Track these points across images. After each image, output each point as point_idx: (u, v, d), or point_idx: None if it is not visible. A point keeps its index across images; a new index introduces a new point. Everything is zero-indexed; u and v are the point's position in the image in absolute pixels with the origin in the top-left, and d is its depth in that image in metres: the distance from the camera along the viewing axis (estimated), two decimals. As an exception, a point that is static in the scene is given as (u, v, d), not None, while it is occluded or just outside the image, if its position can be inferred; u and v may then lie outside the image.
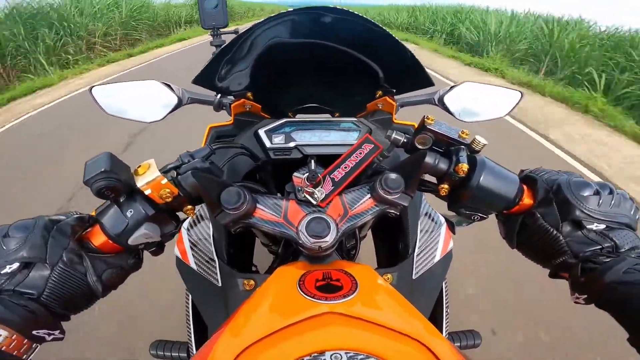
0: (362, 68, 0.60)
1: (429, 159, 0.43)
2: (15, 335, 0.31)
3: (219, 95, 0.74)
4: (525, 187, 0.44)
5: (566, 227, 0.41)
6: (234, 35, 0.90)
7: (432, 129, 0.43)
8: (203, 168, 0.42)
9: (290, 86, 0.67)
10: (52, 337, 0.35)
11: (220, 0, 0.91)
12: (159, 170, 0.41)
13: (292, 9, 0.53)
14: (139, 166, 0.40)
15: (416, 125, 0.59)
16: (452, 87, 0.74)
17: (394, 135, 0.46)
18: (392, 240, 0.69)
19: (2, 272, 0.33)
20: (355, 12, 0.53)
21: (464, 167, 0.41)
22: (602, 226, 0.40)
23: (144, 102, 0.72)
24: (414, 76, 0.61)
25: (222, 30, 0.96)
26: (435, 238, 0.62)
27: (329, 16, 0.54)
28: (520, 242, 0.46)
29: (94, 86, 0.69)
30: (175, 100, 0.70)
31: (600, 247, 0.39)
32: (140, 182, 0.39)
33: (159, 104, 0.72)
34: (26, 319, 0.32)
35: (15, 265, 0.34)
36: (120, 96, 0.72)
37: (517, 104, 0.73)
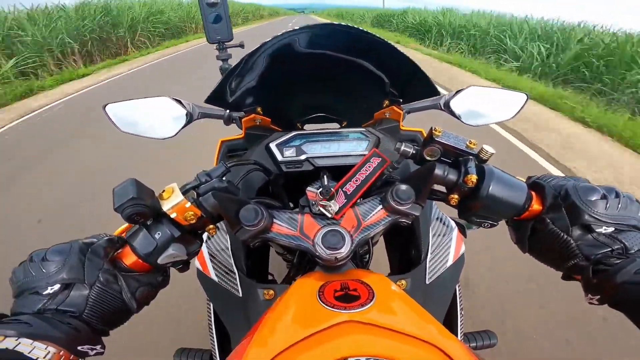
0: (368, 78, 0.62)
1: (438, 171, 0.44)
2: (62, 352, 0.33)
3: (229, 110, 0.76)
4: (533, 193, 0.45)
5: (576, 231, 0.42)
6: (239, 49, 0.92)
7: (440, 141, 0.45)
8: (221, 188, 0.44)
9: (298, 98, 0.68)
10: (94, 351, 0.37)
11: (224, 15, 0.93)
12: (180, 189, 0.43)
13: (297, 28, 0.54)
14: (163, 191, 0.43)
15: (424, 132, 0.60)
16: (457, 92, 0.75)
17: (403, 148, 0.47)
18: (404, 246, 0.71)
19: (44, 292, 0.36)
20: (359, 27, 0.54)
21: (473, 178, 0.43)
22: (611, 229, 0.41)
23: (155, 118, 0.74)
24: (419, 86, 0.62)
25: (227, 44, 0.98)
26: (447, 243, 0.63)
27: (334, 32, 0.55)
28: (531, 247, 0.47)
29: (107, 104, 0.71)
30: (186, 116, 0.72)
31: (610, 249, 0.40)
32: (165, 207, 0.41)
33: (171, 119, 0.74)
34: (71, 335, 0.34)
35: (57, 286, 0.36)
36: (132, 113, 0.74)
37: (523, 106, 0.74)
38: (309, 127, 0.71)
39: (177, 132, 0.73)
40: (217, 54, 0.99)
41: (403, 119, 0.72)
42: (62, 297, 0.36)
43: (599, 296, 0.41)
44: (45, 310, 0.35)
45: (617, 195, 0.42)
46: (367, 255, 0.72)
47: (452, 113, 0.74)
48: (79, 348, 0.35)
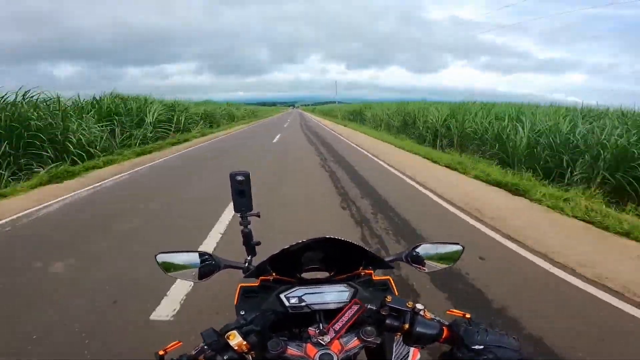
0: (347, 255, 0.94)
1: (388, 321, 0.71)
2: None
3: (247, 263, 1.06)
4: (445, 328, 0.71)
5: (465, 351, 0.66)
6: (257, 218, 1.27)
7: (389, 305, 0.73)
8: (255, 331, 0.71)
9: (299, 260, 0.98)
10: None
11: (247, 191, 1.29)
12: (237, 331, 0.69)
13: (295, 243, 0.85)
14: (229, 335, 0.68)
15: (391, 279, 0.89)
16: (413, 248, 1.06)
17: (368, 306, 0.75)
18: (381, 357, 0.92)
19: None
20: (344, 239, 0.87)
21: (406, 326, 0.70)
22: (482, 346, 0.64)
23: (191, 267, 1.03)
24: (381, 265, 0.96)
25: (248, 213, 1.31)
26: (405, 356, 0.88)
27: (321, 242, 0.88)
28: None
29: (158, 253, 1.00)
30: (213, 267, 1.01)
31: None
32: (232, 343, 0.67)
33: (203, 268, 1.02)
34: None
35: None
36: (175, 261, 1.03)
37: (460, 255, 1.04)
38: (307, 275, 0.98)
39: (206, 279, 1.00)
40: (240, 221, 1.31)
41: (374, 271, 1.00)
42: None
43: None
44: None
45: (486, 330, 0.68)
46: None
47: (409, 263, 1.04)
48: None
